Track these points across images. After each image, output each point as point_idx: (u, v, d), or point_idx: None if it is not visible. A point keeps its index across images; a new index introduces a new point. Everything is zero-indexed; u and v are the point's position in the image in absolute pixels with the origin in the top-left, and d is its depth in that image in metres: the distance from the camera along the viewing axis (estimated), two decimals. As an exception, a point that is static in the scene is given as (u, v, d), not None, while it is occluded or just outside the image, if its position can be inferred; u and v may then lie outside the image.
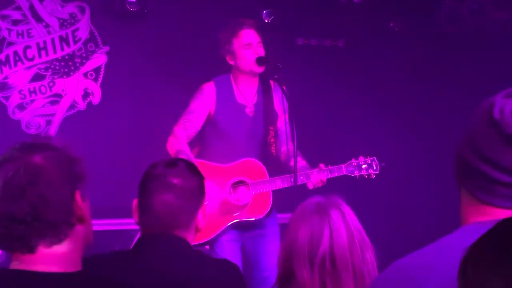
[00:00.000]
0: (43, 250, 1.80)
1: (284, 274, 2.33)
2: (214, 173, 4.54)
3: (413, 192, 6.62)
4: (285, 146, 4.76)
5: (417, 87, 6.74)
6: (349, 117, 6.72)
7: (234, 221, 4.58)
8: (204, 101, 4.65)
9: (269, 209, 4.61)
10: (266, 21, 6.29)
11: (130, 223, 5.38)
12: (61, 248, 1.82)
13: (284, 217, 5.33)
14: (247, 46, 4.59)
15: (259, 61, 4.57)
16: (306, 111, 5.96)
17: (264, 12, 6.31)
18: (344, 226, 2.27)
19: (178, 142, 4.53)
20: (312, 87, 6.52)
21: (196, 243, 4.50)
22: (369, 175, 4.74)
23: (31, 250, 1.79)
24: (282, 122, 4.72)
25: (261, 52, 4.62)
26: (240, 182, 4.60)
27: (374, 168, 4.74)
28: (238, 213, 4.57)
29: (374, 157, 4.75)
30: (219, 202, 4.53)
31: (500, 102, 1.52)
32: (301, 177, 4.53)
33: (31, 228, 1.77)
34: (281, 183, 4.57)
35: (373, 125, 6.63)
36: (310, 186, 4.58)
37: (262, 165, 4.65)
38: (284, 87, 4.57)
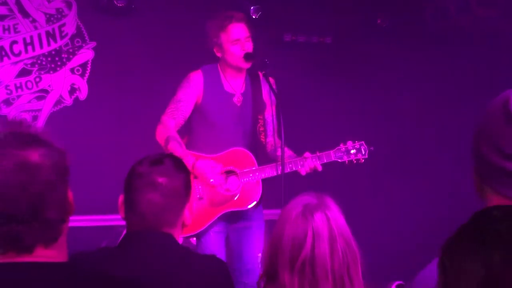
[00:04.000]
0: (40, 251, 1.77)
1: (269, 271, 2.33)
2: None
3: (398, 181, 6.66)
4: (271, 138, 4.76)
5: (404, 82, 6.76)
6: (336, 113, 6.75)
7: (226, 211, 4.57)
8: (192, 90, 4.62)
9: (259, 197, 4.61)
10: (253, 17, 6.29)
11: (117, 219, 5.37)
12: (56, 246, 1.81)
13: (271, 213, 5.35)
14: (235, 41, 4.56)
15: (247, 57, 4.56)
16: (293, 107, 5.96)
17: (251, 8, 6.31)
18: (327, 232, 2.26)
19: (167, 130, 4.51)
20: (299, 83, 6.53)
21: (187, 235, 4.50)
22: (358, 160, 4.73)
23: (29, 250, 1.76)
24: (269, 113, 4.72)
25: (249, 46, 4.59)
26: (230, 172, 4.59)
27: (363, 152, 4.73)
28: (228, 203, 4.57)
29: (363, 142, 4.73)
30: (209, 193, 4.52)
31: None
32: (290, 165, 4.53)
33: (31, 228, 1.74)
34: (270, 171, 4.56)
35: (361, 120, 6.65)
36: (303, 173, 4.57)
37: (251, 154, 4.64)
38: (271, 79, 4.57)
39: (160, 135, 4.54)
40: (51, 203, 1.77)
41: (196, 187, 4.47)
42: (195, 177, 4.39)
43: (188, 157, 4.41)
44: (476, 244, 1.06)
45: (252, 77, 4.78)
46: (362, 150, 4.74)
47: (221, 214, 4.56)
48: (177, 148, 4.40)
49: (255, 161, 4.63)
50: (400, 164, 6.74)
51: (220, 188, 4.53)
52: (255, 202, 4.62)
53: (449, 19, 6.62)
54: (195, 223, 4.46)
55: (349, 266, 2.27)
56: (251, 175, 4.58)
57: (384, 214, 6.59)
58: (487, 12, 6.45)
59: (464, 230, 1.12)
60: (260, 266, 4.80)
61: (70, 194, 1.87)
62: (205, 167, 4.42)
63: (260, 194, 4.62)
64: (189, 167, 4.28)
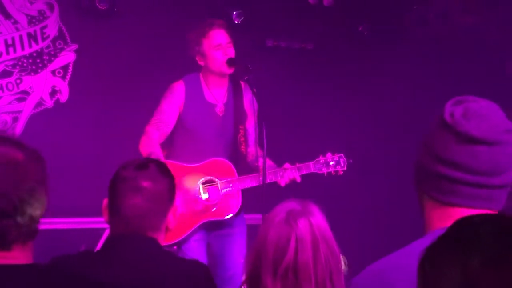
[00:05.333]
0: (18, 247, 1.81)
1: (252, 277, 2.35)
2: (184, 173, 4.54)
3: (378, 189, 6.69)
4: (253, 148, 4.78)
5: (385, 89, 6.80)
6: (317, 119, 6.77)
7: (205, 220, 4.58)
8: (175, 100, 4.63)
9: (239, 207, 4.62)
10: (236, 22, 6.30)
11: (97, 222, 5.36)
12: (31, 244, 1.84)
13: (252, 217, 5.37)
14: (217, 47, 4.58)
15: (229, 62, 4.57)
16: (274, 112, 5.98)
17: (234, 13, 6.32)
18: (310, 238, 2.28)
19: (151, 143, 4.51)
20: (280, 89, 6.55)
21: (167, 244, 4.50)
22: (336, 171, 4.77)
23: (7, 247, 1.80)
24: (251, 123, 4.75)
25: (231, 52, 4.61)
26: (210, 182, 4.60)
27: (342, 164, 4.77)
28: (208, 213, 4.58)
29: (342, 154, 4.78)
30: (189, 202, 4.53)
31: (450, 108, 1.62)
32: (270, 176, 4.55)
33: (16, 223, 1.78)
34: (250, 182, 4.58)
35: (342, 127, 6.68)
36: (283, 184, 4.61)
37: (231, 164, 4.66)
38: (254, 89, 4.58)
39: (143, 147, 4.55)
40: (36, 202, 1.80)
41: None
42: None
43: None
44: (455, 248, 1.09)
45: (234, 86, 4.79)
46: (341, 162, 4.78)
47: (200, 223, 4.58)
48: None
49: (235, 171, 4.64)
50: (383, 170, 6.78)
51: (200, 198, 4.56)
52: (232, 214, 4.63)
53: (429, 27, 6.68)
54: (176, 232, 4.47)
55: (332, 272, 2.29)
56: (231, 185, 4.60)
57: (368, 220, 6.63)
58: (466, 19, 6.51)
59: (445, 234, 1.15)
60: (242, 272, 4.81)
61: (48, 194, 1.91)
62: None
63: (239, 205, 4.63)
64: None
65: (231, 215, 4.63)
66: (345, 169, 4.78)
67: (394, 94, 6.79)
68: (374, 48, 6.78)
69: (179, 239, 4.53)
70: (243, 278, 2.43)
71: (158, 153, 4.46)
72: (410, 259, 1.54)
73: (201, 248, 4.64)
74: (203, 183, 4.59)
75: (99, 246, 5.37)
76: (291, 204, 2.38)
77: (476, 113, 1.59)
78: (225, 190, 4.59)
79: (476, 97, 1.66)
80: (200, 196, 4.56)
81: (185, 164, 4.58)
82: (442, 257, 1.10)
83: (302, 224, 2.30)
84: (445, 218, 1.59)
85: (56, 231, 5.48)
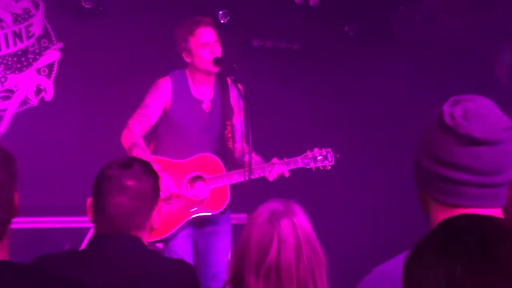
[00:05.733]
0: None
1: (235, 276, 2.35)
2: (171, 169, 4.53)
3: (365, 187, 6.71)
4: (239, 144, 4.78)
5: (370, 89, 6.82)
6: (303, 118, 6.78)
7: (192, 216, 4.57)
8: (160, 96, 4.62)
9: (227, 203, 4.62)
10: (222, 21, 6.30)
11: (81, 221, 5.35)
12: (1, 246, 1.82)
13: (237, 217, 5.37)
14: (204, 45, 4.57)
15: (216, 61, 4.57)
16: (261, 111, 5.98)
17: (220, 12, 6.32)
18: (293, 238, 2.30)
19: (133, 135, 4.50)
20: (266, 88, 6.55)
21: (154, 240, 4.49)
22: (324, 166, 4.79)
23: None
24: (238, 119, 4.75)
25: (218, 51, 4.61)
26: (197, 177, 4.60)
27: (329, 159, 4.79)
28: (196, 208, 4.58)
29: (329, 149, 4.81)
30: (177, 198, 4.52)
31: (448, 110, 1.62)
32: (258, 170, 4.57)
33: None
34: (238, 177, 4.57)
35: (328, 126, 6.69)
36: (271, 179, 4.61)
37: (219, 160, 4.65)
38: (240, 86, 4.59)
39: (125, 140, 4.53)
40: (2, 204, 1.78)
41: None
42: None
43: (153, 165, 4.40)
44: (440, 252, 1.09)
45: (220, 83, 4.79)
46: (329, 157, 4.79)
47: (188, 219, 4.57)
48: (141, 154, 4.37)
49: (223, 166, 4.64)
50: (367, 170, 6.80)
51: (188, 194, 4.55)
52: (222, 208, 4.63)
53: (415, 27, 6.70)
54: (163, 228, 4.46)
55: (314, 271, 2.30)
56: (218, 180, 4.59)
57: (351, 220, 6.64)
58: (453, 20, 6.54)
59: (431, 237, 1.15)
60: (226, 270, 4.81)
61: (17, 196, 1.88)
62: (165, 182, 4.41)
63: (227, 200, 4.64)
64: None
65: (221, 209, 4.63)
66: (333, 163, 4.80)
67: (380, 93, 6.80)
68: (360, 48, 6.80)
69: (167, 235, 4.52)
70: (227, 277, 2.44)
71: (141, 144, 4.46)
72: None
73: (187, 245, 4.63)
74: (190, 179, 4.59)
75: (83, 245, 5.35)
76: (274, 204, 2.39)
77: (476, 113, 1.60)
78: (212, 185, 4.59)
79: (470, 95, 1.67)
80: (187, 192, 4.56)
81: (173, 160, 4.58)
82: (428, 261, 1.10)
83: (284, 224, 2.31)
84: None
85: (40, 230, 5.47)
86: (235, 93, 4.74)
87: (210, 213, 4.61)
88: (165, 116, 4.65)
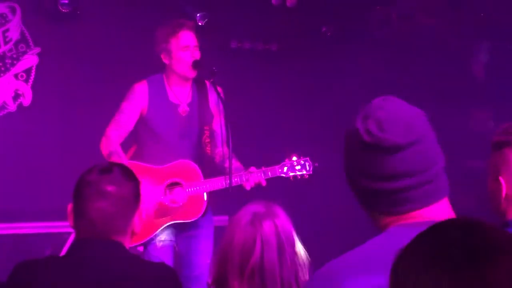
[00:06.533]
0: None
1: (218, 279, 2.36)
2: (149, 175, 4.53)
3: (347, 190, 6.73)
4: (220, 148, 4.77)
5: (349, 90, 6.85)
6: (282, 119, 6.80)
7: (169, 222, 4.58)
8: (136, 101, 4.61)
9: (203, 210, 4.62)
10: (200, 23, 6.30)
11: (61, 226, 5.33)
12: None
13: (220, 219, 5.37)
14: (185, 48, 4.57)
15: (195, 65, 4.57)
16: (239, 114, 5.99)
17: (198, 15, 6.31)
18: (275, 239, 2.31)
19: (110, 143, 4.52)
20: (245, 90, 6.56)
21: (134, 244, 4.49)
22: (302, 175, 4.76)
23: None
24: (218, 123, 4.72)
25: (197, 55, 4.61)
26: (175, 184, 4.60)
27: (307, 168, 4.77)
28: (173, 215, 4.58)
29: (308, 158, 4.78)
30: (154, 204, 4.52)
31: (362, 126, 1.62)
32: (236, 179, 4.54)
33: None
34: (215, 184, 4.58)
35: (306, 128, 6.71)
36: (248, 187, 4.59)
37: (197, 166, 4.65)
38: (219, 89, 4.59)
39: (104, 148, 4.57)
40: None
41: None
42: None
43: None
44: (428, 262, 1.09)
45: (198, 86, 4.78)
46: (307, 166, 4.77)
47: (166, 224, 4.58)
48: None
49: (200, 173, 4.64)
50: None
51: (165, 199, 4.55)
52: (199, 216, 4.62)
53: (392, 27, 6.74)
54: (141, 233, 4.46)
55: (297, 272, 2.32)
56: (197, 187, 4.59)
57: (333, 221, 6.66)
58: (429, 20, 6.59)
59: (418, 242, 1.15)
60: (208, 272, 4.83)
61: None
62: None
63: (204, 207, 4.62)
64: None
65: (196, 217, 4.63)
66: (311, 173, 4.78)
67: (357, 94, 6.82)
68: (337, 49, 6.82)
69: (143, 240, 4.53)
70: (210, 280, 2.44)
71: (118, 152, 4.49)
72: (363, 258, 1.56)
73: (167, 249, 4.63)
74: (168, 185, 4.59)
75: (64, 250, 5.33)
76: (256, 206, 2.40)
77: (389, 120, 1.60)
78: (190, 192, 4.59)
79: (378, 101, 1.67)
80: (165, 198, 4.56)
81: (151, 166, 4.58)
82: (415, 269, 1.09)
83: (267, 226, 2.32)
84: (403, 220, 1.61)
85: (20, 236, 5.44)
86: (214, 96, 4.73)
87: (186, 220, 4.62)
88: (142, 121, 4.64)
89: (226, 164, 4.56)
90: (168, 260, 4.53)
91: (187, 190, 4.58)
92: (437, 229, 1.13)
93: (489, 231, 1.11)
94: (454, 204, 1.68)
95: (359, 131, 1.62)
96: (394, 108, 1.64)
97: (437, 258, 1.07)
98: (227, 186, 4.46)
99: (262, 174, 4.63)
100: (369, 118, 1.63)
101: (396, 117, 1.61)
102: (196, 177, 4.63)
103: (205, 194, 4.63)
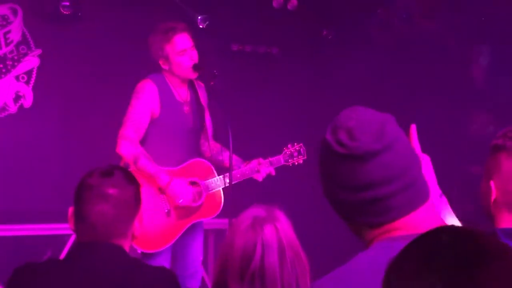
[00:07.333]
0: None
1: (218, 283, 2.36)
2: None
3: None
4: (213, 142, 4.84)
5: (348, 92, 6.85)
6: (281, 122, 6.80)
7: (192, 222, 4.60)
8: (148, 101, 4.53)
9: (221, 206, 4.66)
10: (201, 26, 6.30)
11: (61, 228, 5.34)
12: None
13: (219, 222, 5.38)
14: (182, 52, 4.53)
15: (195, 67, 4.55)
16: (239, 116, 6.00)
17: (199, 17, 6.31)
18: (276, 243, 2.31)
19: (134, 146, 4.44)
20: (245, 92, 6.58)
21: (157, 250, 4.47)
22: (298, 161, 4.98)
23: None
24: (208, 117, 4.81)
25: (195, 56, 4.58)
26: (192, 183, 4.61)
27: (302, 153, 4.97)
28: (195, 214, 4.60)
29: (301, 144, 5.01)
30: (176, 207, 4.53)
31: (333, 138, 1.60)
32: (247, 172, 4.71)
33: None
34: (230, 181, 4.59)
35: (306, 129, 6.72)
36: (260, 179, 4.75)
37: (210, 164, 4.68)
38: (200, 83, 4.66)
39: (127, 151, 4.43)
40: None
41: (163, 202, 4.49)
42: (163, 193, 4.45)
43: (162, 176, 4.41)
44: (421, 267, 1.10)
45: (190, 84, 4.78)
46: (302, 151, 4.97)
47: (188, 225, 4.58)
48: (149, 165, 4.38)
49: (214, 170, 4.67)
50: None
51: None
52: (218, 212, 4.69)
53: (392, 30, 6.75)
54: (164, 238, 4.48)
55: (298, 277, 2.32)
56: (213, 185, 4.64)
57: (334, 225, 6.65)
58: (429, 23, 6.59)
59: (412, 248, 1.15)
60: (202, 269, 4.85)
61: None
62: (178, 189, 4.45)
63: (222, 203, 4.67)
64: (163, 185, 4.33)
65: (216, 214, 4.68)
66: (305, 157, 4.98)
67: (357, 97, 6.83)
68: (338, 52, 6.83)
69: (170, 243, 4.53)
70: (210, 284, 2.45)
71: (145, 154, 4.44)
72: (352, 278, 1.52)
73: (165, 251, 4.62)
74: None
75: (64, 252, 5.34)
76: (257, 210, 2.40)
77: (359, 128, 1.57)
78: (208, 190, 4.62)
79: (345, 112, 1.65)
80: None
81: (165, 168, 4.55)
82: (409, 274, 1.10)
83: (268, 230, 2.32)
84: (388, 233, 1.58)
85: (20, 238, 5.44)
86: (202, 91, 4.78)
87: (208, 218, 4.69)
88: (152, 120, 4.59)
89: (220, 157, 4.74)
90: (166, 259, 4.54)
91: (204, 188, 4.60)
92: (428, 236, 1.14)
93: (480, 237, 1.11)
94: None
95: (330, 144, 1.59)
96: (363, 116, 1.62)
97: (429, 265, 1.08)
98: (240, 180, 4.66)
99: (269, 164, 4.79)
100: (339, 129, 1.60)
101: (366, 124, 1.58)
102: (210, 174, 4.65)
103: (221, 189, 4.67)
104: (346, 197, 1.59)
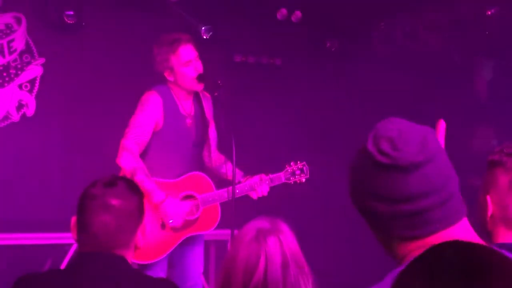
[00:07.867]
0: None
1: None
2: (163, 189, 4.47)
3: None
4: (216, 153, 4.83)
5: (351, 104, 6.86)
6: (284, 133, 6.80)
7: (188, 235, 4.57)
8: (152, 113, 4.51)
9: (218, 221, 4.63)
10: (204, 37, 6.31)
11: (62, 238, 5.32)
12: None
13: (222, 233, 5.36)
14: (187, 63, 4.52)
15: (199, 78, 4.54)
16: (242, 127, 5.99)
17: (203, 28, 6.33)
18: (280, 256, 2.29)
19: (135, 158, 4.39)
20: (248, 103, 6.58)
21: (150, 262, 4.45)
22: (300, 180, 4.86)
23: None
24: (213, 129, 4.78)
25: (200, 66, 4.56)
26: (189, 197, 4.59)
27: (305, 172, 4.85)
28: (190, 227, 4.57)
29: (304, 162, 4.87)
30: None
31: (374, 148, 1.56)
32: (246, 188, 4.61)
33: None
34: (228, 195, 4.56)
35: (308, 141, 6.72)
36: (255, 197, 4.65)
37: (209, 178, 4.65)
38: (207, 95, 4.63)
39: (127, 163, 4.39)
40: None
41: (158, 214, 4.46)
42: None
43: (157, 193, 4.37)
44: (425, 282, 1.10)
45: (195, 96, 4.77)
46: (305, 170, 4.85)
47: (183, 238, 4.56)
48: (145, 181, 4.33)
49: (213, 185, 4.64)
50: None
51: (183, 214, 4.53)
52: (215, 226, 4.65)
53: (395, 44, 6.76)
54: (158, 250, 4.46)
55: None
56: (210, 199, 4.59)
57: (338, 238, 6.65)
58: (433, 38, 6.60)
59: (416, 264, 1.15)
60: (201, 281, 4.83)
61: None
62: (170, 210, 4.41)
63: (219, 218, 4.63)
64: (157, 203, 4.32)
65: (212, 228, 4.64)
66: (308, 176, 4.87)
67: (360, 109, 6.84)
68: (341, 65, 6.84)
69: (164, 255, 4.49)
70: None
71: (143, 169, 4.39)
72: None
73: (162, 262, 4.61)
74: (182, 198, 4.56)
75: (65, 262, 5.32)
76: (260, 222, 2.39)
77: (401, 139, 1.54)
78: (204, 205, 4.59)
79: (383, 123, 1.61)
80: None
81: (163, 180, 4.55)
82: None
83: (271, 242, 2.31)
84: (424, 248, 1.55)
85: (21, 247, 5.43)
86: (207, 103, 4.76)
87: (204, 231, 4.64)
88: (154, 132, 4.55)
89: (223, 170, 4.71)
90: (162, 270, 4.52)
91: (201, 202, 4.57)
92: (433, 252, 1.14)
93: (483, 251, 1.12)
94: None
95: (371, 153, 1.56)
96: (404, 127, 1.58)
97: (434, 278, 1.08)
98: (240, 195, 4.56)
99: (270, 181, 4.69)
100: (380, 139, 1.56)
101: (409, 135, 1.55)
102: (208, 188, 4.62)
103: (219, 205, 4.66)
104: (382, 208, 1.55)
